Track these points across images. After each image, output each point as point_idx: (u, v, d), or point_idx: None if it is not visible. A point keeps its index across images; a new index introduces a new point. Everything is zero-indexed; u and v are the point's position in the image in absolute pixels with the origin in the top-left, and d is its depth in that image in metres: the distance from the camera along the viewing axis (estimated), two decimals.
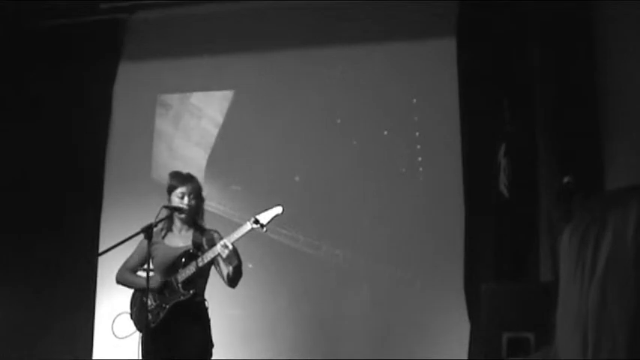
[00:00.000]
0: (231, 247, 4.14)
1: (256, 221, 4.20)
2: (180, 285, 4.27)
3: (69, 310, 5.59)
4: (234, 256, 4.19)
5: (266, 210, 4.25)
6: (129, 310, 4.44)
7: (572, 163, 4.77)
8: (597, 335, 0.86)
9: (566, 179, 4.01)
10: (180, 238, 4.41)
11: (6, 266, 5.59)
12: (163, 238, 4.41)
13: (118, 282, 4.51)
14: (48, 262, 5.65)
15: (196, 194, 4.40)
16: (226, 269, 4.29)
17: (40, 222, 5.75)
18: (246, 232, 4.20)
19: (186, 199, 4.35)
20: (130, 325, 4.40)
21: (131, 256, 4.49)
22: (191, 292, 4.28)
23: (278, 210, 4.24)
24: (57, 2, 5.78)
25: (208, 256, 4.24)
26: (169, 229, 4.44)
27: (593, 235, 0.90)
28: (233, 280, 4.30)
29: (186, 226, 4.42)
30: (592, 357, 0.86)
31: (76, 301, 5.63)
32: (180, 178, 4.40)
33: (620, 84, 4.87)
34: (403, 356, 5.15)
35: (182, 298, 4.27)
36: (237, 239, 4.18)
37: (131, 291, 4.49)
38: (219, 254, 4.19)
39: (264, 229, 4.22)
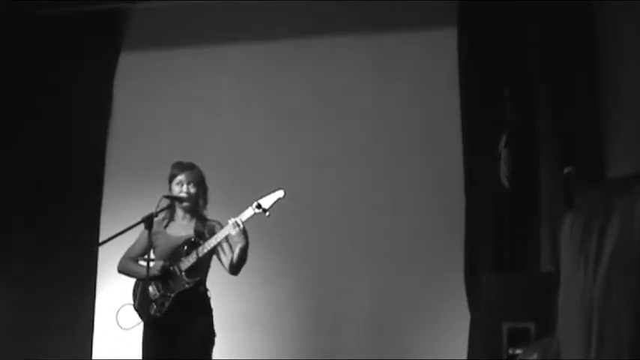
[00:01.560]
0: (242, 225, 4.13)
1: (259, 206, 4.19)
2: (184, 273, 4.27)
3: (69, 301, 5.59)
4: (243, 236, 4.17)
5: (268, 194, 4.23)
6: (131, 301, 4.44)
7: (572, 153, 4.77)
8: (602, 326, 0.85)
9: (567, 170, 4.00)
10: (181, 228, 4.41)
11: (6, 258, 5.59)
12: (165, 227, 4.41)
13: (120, 271, 4.52)
14: (48, 252, 5.64)
15: (196, 182, 4.38)
16: (229, 256, 4.28)
17: (40, 213, 5.74)
18: (250, 217, 4.18)
19: (185, 187, 4.34)
20: (133, 316, 4.40)
21: (133, 246, 4.49)
22: (197, 279, 4.27)
23: (280, 193, 4.22)
24: None
25: (211, 243, 4.23)
26: (171, 218, 4.44)
27: (598, 224, 0.88)
28: (237, 266, 4.26)
29: (188, 216, 4.42)
30: (596, 349, 0.85)
31: (77, 292, 5.63)
32: (180, 167, 4.40)
33: (621, 72, 4.86)
34: (404, 346, 5.17)
35: (187, 286, 4.26)
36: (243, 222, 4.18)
37: (132, 281, 4.49)
38: (227, 234, 4.17)
39: (267, 213, 4.19)
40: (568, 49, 4.96)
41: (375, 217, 5.43)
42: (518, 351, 3.82)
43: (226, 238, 4.24)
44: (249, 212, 4.18)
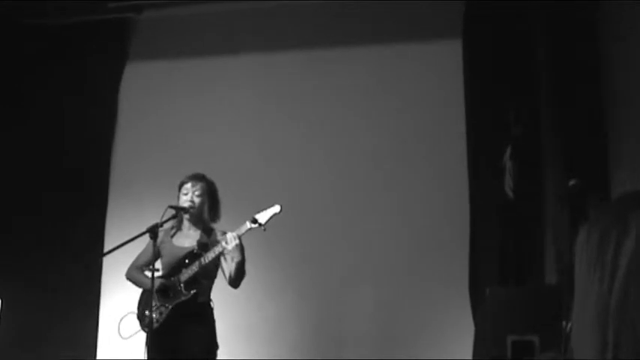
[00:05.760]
0: (237, 240, 4.15)
1: (254, 220, 4.20)
2: (182, 285, 4.27)
3: (73, 310, 5.59)
4: (239, 251, 4.18)
5: (264, 209, 4.25)
6: (136, 310, 4.43)
7: (577, 165, 4.77)
8: (618, 336, 0.85)
9: (571, 182, 4.00)
10: (187, 238, 4.41)
11: (11, 267, 5.59)
12: (172, 237, 4.42)
13: (127, 279, 4.54)
14: (52, 262, 5.65)
15: (202, 192, 4.39)
16: (229, 268, 4.28)
17: (45, 222, 5.75)
18: (246, 232, 4.20)
19: (189, 195, 4.36)
20: (134, 325, 4.40)
21: (140, 255, 4.50)
22: (192, 292, 4.26)
23: (276, 209, 4.24)
24: (64, 2, 5.78)
25: (209, 255, 4.23)
26: (179, 228, 4.44)
27: (614, 235, 0.89)
28: (235, 279, 4.27)
29: (194, 226, 4.43)
30: (612, 357, 0.85)
31: (81, 301, 5.63)
32: (189, 176, 4.42)
33: (626, 85, 4.86)
34: (407, 358, 5.14)
35: (183, 298, 4.27)
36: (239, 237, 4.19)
37: (135, 290, 4.49)
38: (223, 249, 4.18)
39: (263, 228, 4.21)
40: (572, 60, 4.97)
41: (378, 228, 5.43)
42: None
43: (227, 252, 4.24)
44: (245, 227, 4.20)
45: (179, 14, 5.91)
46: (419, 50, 5.59)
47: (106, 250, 4.82)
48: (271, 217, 4.22)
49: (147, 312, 4.27)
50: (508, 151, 4.99)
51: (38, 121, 5.92)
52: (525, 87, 5.10)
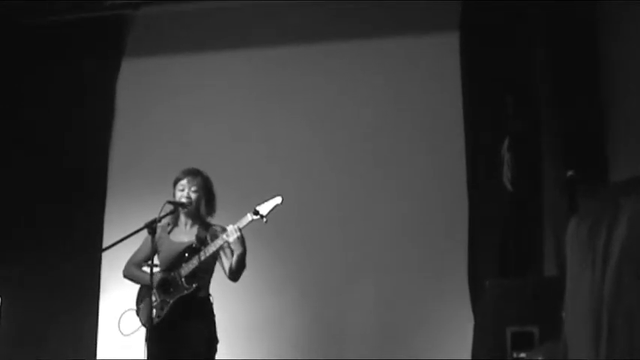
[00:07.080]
0: (239, 233, 4.15)
1: (256, 212, 4.20)
2: (183, 280, 4.27)
3: (73, 308, 5.59)
4: (240, 243, 4.18)
5: (266, 201, 4.24)
6: (135, 307, 4.44)
7: (575, 156, 4.76)
8: (612, 325, 0.85)
9: (569, 173, 4.00)
10: (185, 234, 4.41)
11: (10, 264, 5.59)
12: (169, 232, 4.42)
13: (125, 276, 4.53)
14: (52, 259, 5.64)
15: (199, 188, 4.38)
16: (228, 262, 4.28)
17: (43, 219, 5.75)
18: (247, 224, 4.19)
19: (186, 191, 4.35)
20: (135, 322, 4.40)
21: (137, 251, 4.50)
22: (194, 285, 4.27)
23: (277, 200, 4.23)
24: (62, 1, 5.77)
25: (210, 249, 4.24)
26: (175, 223, 4.44)
27: (605, 224, 0.88)
28: (236, 272, 4.27)
29: (190, 222, 4.43)
30: (606, 347, 0.85)
31: (81, 299, 5.63)
32: (184, 172, 4.41)
33: (624, 77, 4.85)
34: (408, 352, 5.15)
35: (185, 292, 4.27)
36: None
37: (134, 285, 4.50)
38: (224, 241, 4.18)
39: (265, 219, 4.21)
40: (570, 52, 4.96)
41: (378, 224, 5.43)
42: (522, 355, 3.81)
43: (228, 244, 4.24)
44: (247, 219, 4.20)
45: (177, 10, 5.90)
46: (417, 42, 5.58)
47: (104, 246, 4.83)
48: (273, 209, 4.22)
49: (147, 307, 4.27)
50: (506, 142, 4.99)
51: (35, 118, 5.92)
52: (524, 85, 5.09)
